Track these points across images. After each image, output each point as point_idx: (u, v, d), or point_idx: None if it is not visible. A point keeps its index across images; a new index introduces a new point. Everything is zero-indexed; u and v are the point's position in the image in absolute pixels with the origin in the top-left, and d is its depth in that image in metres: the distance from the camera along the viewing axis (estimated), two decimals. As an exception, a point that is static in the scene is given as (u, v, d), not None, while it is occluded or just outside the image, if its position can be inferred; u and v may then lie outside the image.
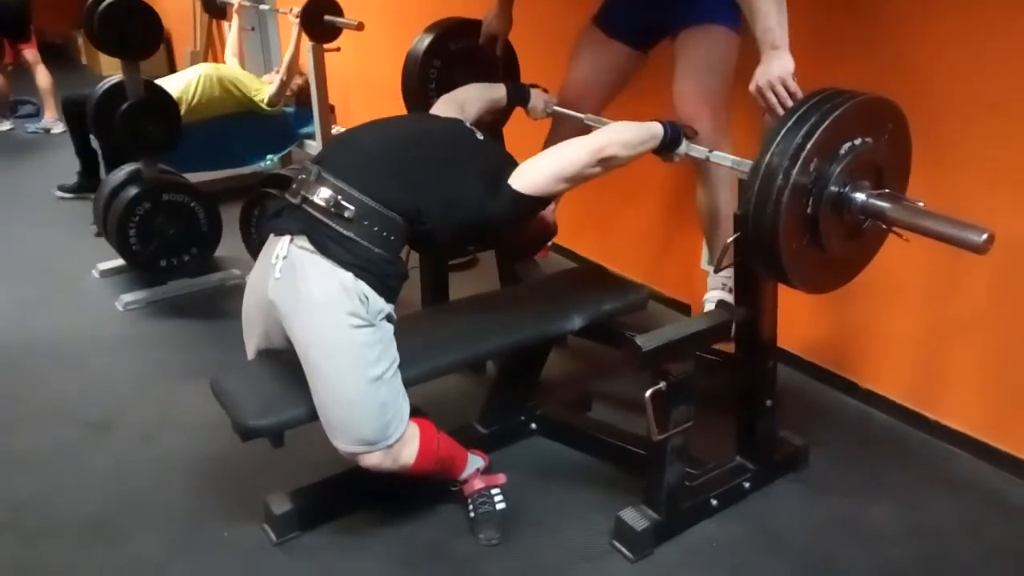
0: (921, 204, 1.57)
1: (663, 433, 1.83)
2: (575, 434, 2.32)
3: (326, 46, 3.93)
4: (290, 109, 4.38)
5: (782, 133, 1.57)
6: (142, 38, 2.94)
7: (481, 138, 1.97)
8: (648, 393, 1.80)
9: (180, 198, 3.17)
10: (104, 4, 2.87)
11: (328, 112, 4.27)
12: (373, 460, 1.77)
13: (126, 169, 3.29)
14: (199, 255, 3.28)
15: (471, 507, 2.00)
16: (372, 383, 1.70)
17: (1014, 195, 2.05)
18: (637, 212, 3.23)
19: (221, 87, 4.08)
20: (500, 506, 2.01)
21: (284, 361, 1.85)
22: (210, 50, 6.47)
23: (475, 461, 2.06)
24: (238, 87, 4.13)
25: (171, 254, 3.21)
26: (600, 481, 2.16)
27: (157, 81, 3.40)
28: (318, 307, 1.68)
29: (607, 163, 1.81)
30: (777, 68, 1.76)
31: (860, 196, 1.61)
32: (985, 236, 1.44)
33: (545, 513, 2.06)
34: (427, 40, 2.56)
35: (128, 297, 3.18)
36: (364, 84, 4.82)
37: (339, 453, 1.79)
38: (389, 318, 1.76)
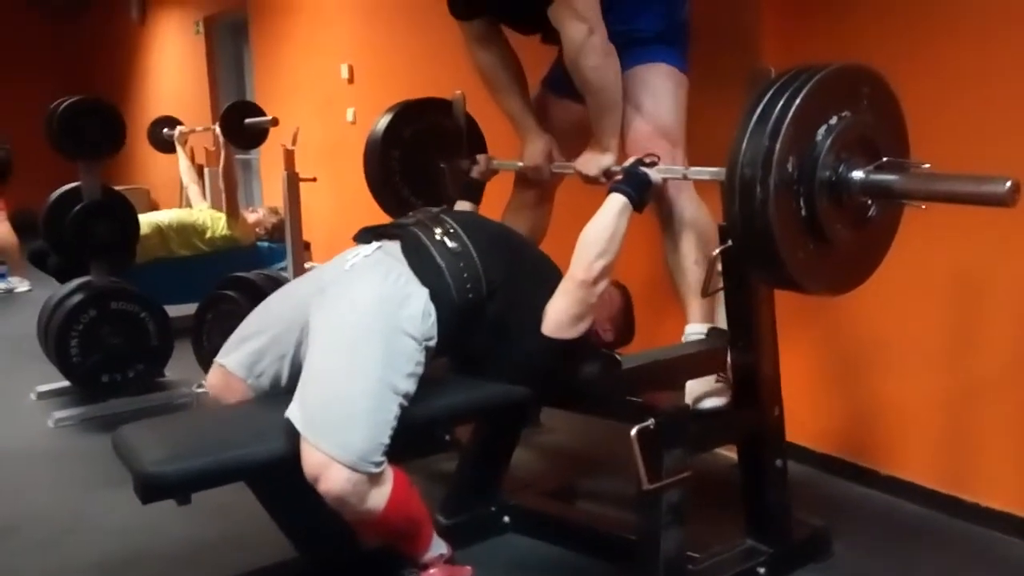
0: (927, 166, 1.37)
1: (654, 482, 1.52)
2: (557, 526, 1.98)
3: (302, 176, 3.88)
4: (264, 244, 4.29)
5: (746, 139, 1.40)
6: (101, 138, 2.87)
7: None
8: (634, 432, 1.52)
9: (129, 307, 2.96)
10: (64, 104, 2.82)
11: (302, 248, 4.17)
12: (340, 483, 1.45)
13: (76, 281, 3.10)
14: (145, 371, 3.02)
15: (431, 602, 1.63)
16: (391, 391, 1.52)
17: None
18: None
19: (183, 233, 4.05)
20: (464, 600, 1.64)
21: (232, 412, 1.59)
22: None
23: (439, 545, 1.71)
24: (199, 230, 4.10)
25: (114, 368, 2.95)
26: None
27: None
28: (379, 296, 1.59)
29: (604, 276, 1.69)
30: (593, 165, 1.97)
31: (857, 175, 1.42)
32: (1008, 185, 1.24)
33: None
34: (385, 121, 2.47)
35: (61, 413, 2.89)
36: (344, 215, 4.70)
37: (304, 466, 1.44)
38: (428, 352, 1.61)
